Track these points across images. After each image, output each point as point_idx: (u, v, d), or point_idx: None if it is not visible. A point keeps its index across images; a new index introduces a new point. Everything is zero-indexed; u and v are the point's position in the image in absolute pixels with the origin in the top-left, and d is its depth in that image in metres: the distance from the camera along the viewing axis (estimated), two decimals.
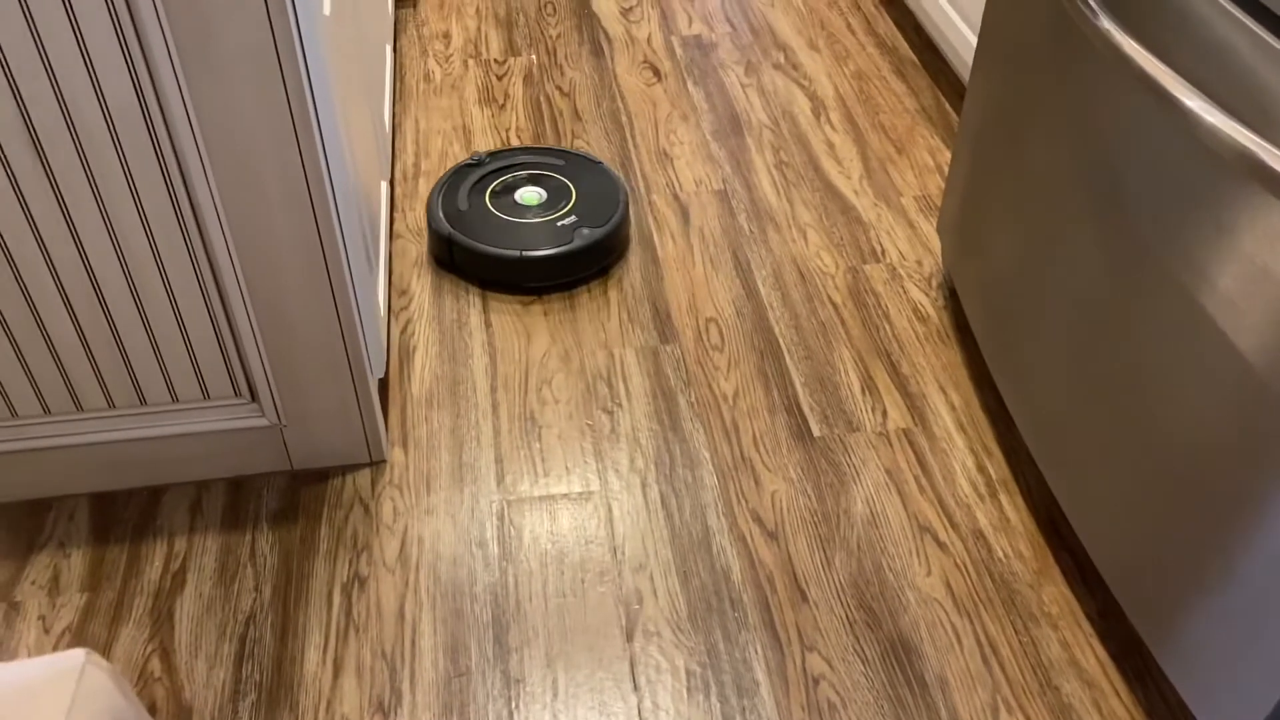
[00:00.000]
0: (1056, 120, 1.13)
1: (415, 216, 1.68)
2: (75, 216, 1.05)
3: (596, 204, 1.61)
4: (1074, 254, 1.11)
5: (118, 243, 1.08)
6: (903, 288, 1.56)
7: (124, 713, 0.38)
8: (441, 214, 1.60)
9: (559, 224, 1.56)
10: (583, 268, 1.55)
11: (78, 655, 0.38)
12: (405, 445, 1.33)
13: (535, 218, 1.58)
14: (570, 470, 1.31)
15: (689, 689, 1.09)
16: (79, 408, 1.20)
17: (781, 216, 1.69)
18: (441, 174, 1.76)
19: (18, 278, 1.08)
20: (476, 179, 1.66)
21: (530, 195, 1.62)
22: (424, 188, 1.74)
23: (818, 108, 1.93)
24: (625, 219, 1.61)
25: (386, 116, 1.71)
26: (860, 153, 1.82)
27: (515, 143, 1.84)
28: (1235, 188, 0.85)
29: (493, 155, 1.70)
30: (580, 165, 1.70)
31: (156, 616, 1.15)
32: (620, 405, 1.38)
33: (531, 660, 1.11)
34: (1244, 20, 0.84)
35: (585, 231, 1.53)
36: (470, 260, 1.55)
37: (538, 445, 1.33)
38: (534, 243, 1.54)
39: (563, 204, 1.61)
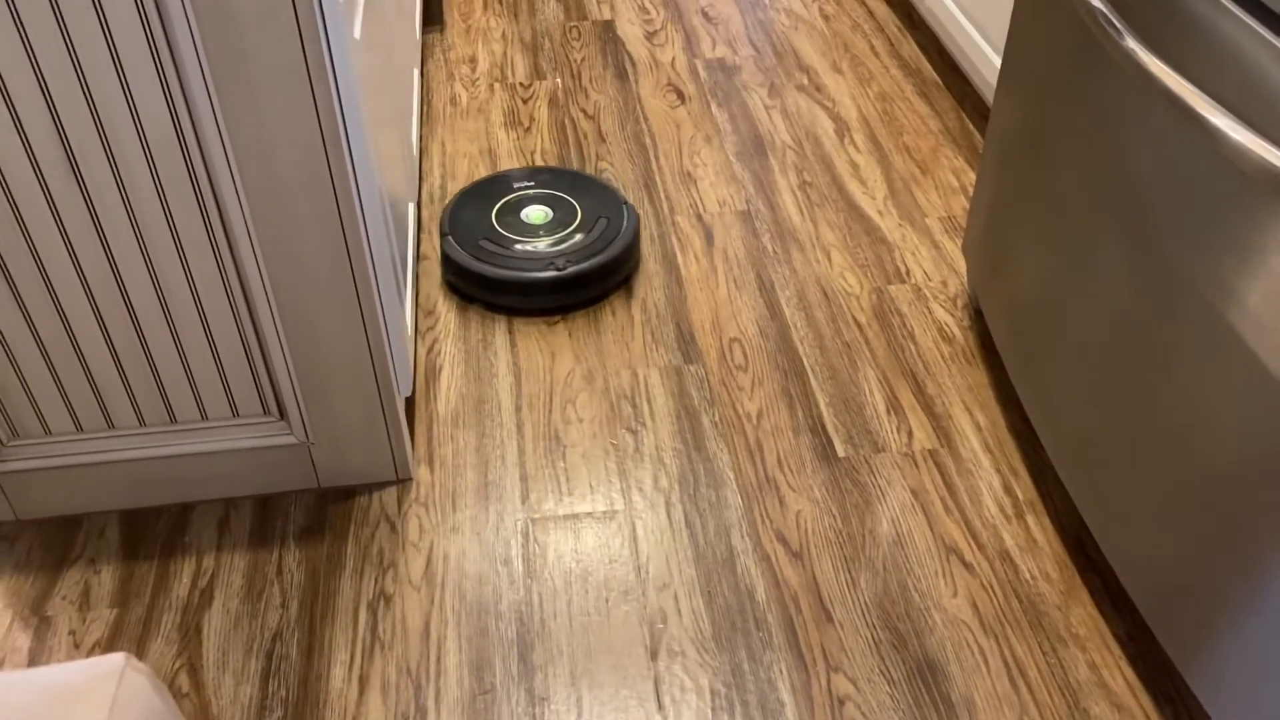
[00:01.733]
0: (1082, 140, 1.13)
1: None
2: (110, 237, 1.07)
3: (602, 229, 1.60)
4: (1100, 273, 1.11)
5: (150, 263, 1.09)
6: (928, 308, 1.56)
7: (162, 716, 0.38)
8: (451, 234, 1.60)
9: (557, 247, 1.56)
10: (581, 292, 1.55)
11: (117, 659, 0.38)
12: (431, 463, 1.34)
13: (542, 237, 1.58)
14: (594, 489, 1.31)
15: (714, 709, 1.08)
16: (110, 425, 1.21)
17: (805, 237, 1.69)
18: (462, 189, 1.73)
19: (53, 297, 1.10)
20: (490, 197, 1.66)
21: (537, 214, 1.60)
22: None
23: (841, 129, 1.94)
24: (629, 248, 1.59)
25: (414, 139, 1.73)
26: (884, 173, 1.83)
27: (540, 165, 1.86)
28: (1263, 205, 0.85)
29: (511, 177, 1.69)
30: (589, 188, 1.69)
31: (185, 632, 1.16)
32: (644, 425, 1.39)
33: (556, 679, 1.11)
34: (1270, 39, 0.84)
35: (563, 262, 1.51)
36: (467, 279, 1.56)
37: (562, 464, 1.34)
38: (530, 266, 1.54)
39: (567, 227, 1.59)
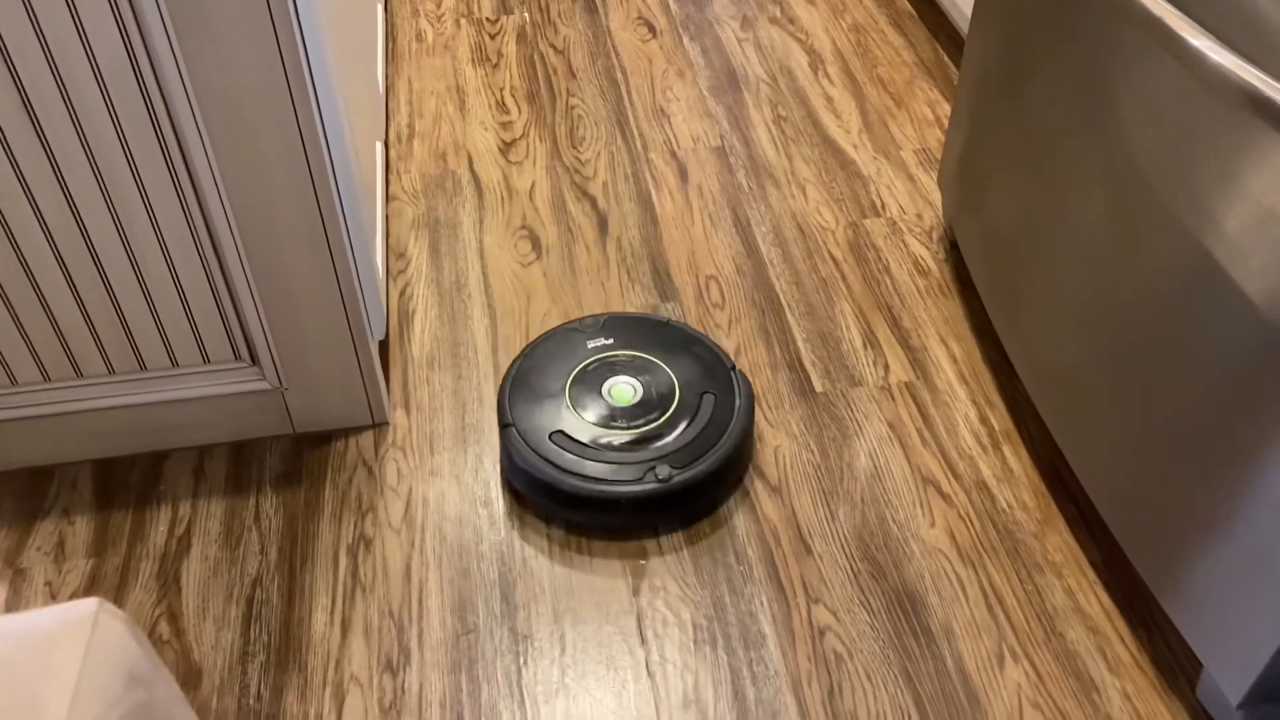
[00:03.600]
0: (1057, 67, 1.12)
1: (410, 179, 1.67)
2: (70, 182, 1.04)
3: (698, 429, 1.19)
4: (1076, 202, 1.10)
5: (113, 208, 1.07)
6: (903, 241, 1.56)
7: (139, 660, 0.38)
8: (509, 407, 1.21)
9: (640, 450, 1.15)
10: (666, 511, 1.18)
11: (90, 603, 0.37)
12: (407, 407, 1.33)
13: (632, 425, 1.19)
14: None
15: (696, 642, 1.09)
16: (79, 374, 1.19)
17: (780, 172, 1.68)
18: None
19: (13, 244, 1.07)
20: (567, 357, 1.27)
21: (622, 390, 1.21)
22: (418, 149, 1.73)
23: (815, 62, 1.91)
24: (735, 451, 1.18)
25: (379, 77, 1.69)
26: (859, 107, 1.81)
27: (509, 103, 1.82)
28: (1242, 128, 0.85)
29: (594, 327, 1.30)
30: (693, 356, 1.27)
31: (163, 580, 1.15)
32: None
33: (539, 616, 1.12)
34: None
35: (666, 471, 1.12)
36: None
37: None
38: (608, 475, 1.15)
39: (655, 415, 1.19)
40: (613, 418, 1.20)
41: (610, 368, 1.25)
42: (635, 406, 1.21)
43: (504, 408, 1.22)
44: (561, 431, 1.18)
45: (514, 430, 1.19)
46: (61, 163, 1.03)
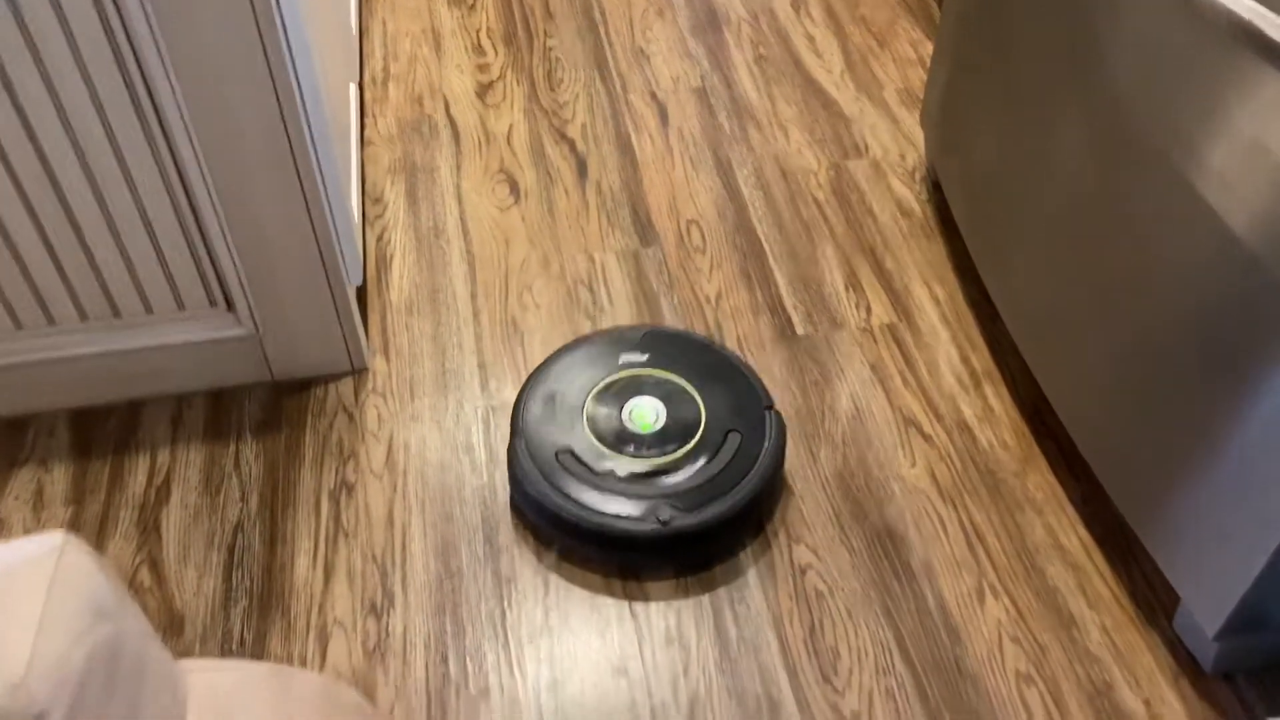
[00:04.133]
0: (1040, 2, 1.10)
1: (386, 123, 1.64)
2: (37, 128, 1.01)
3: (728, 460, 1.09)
4: (1060, 140, 1.09)
5: (82, 154, 1.04)
6: (886, 183, 1.54)
7: (106, 593, 0.37)
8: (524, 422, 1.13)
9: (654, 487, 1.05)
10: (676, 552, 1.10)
11: (55, 536, 0.37)
12: (387, 353, 1.32)
13: (646, 454, 1.10)
14: None
15: (678, 582, 1.10)
16: (50, 321, 1.17)
17: (762, 114, 1.66)
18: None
19: None
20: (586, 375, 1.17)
21: (644, 414, 1.12)
22: (394, 92, 1.70)
23: (797, 1, 1.88)
24: (762, 487, 1.10)
25: (353, 19, 1.66)
26: (841, 46, 1.78)
27: (486, 44, 1.79)
28: (1228, 58, 0.84)
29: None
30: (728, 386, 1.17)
31: (143, 528, 1.14)
32: (602, 310, 1.37)
33: (522, 560, 1.12)
34: None
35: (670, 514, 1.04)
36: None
37: (520, 351, 1.32)
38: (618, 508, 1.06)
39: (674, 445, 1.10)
40: (627, 443, 1.11)
41: (637, 386, 1.16)
42: (654, 435, 1.12)
43: (516, 415, 1.14)
44: (570, 451, 1.09)
45: (522, 442, 1.11)
46: (27, 108, 1.00)
